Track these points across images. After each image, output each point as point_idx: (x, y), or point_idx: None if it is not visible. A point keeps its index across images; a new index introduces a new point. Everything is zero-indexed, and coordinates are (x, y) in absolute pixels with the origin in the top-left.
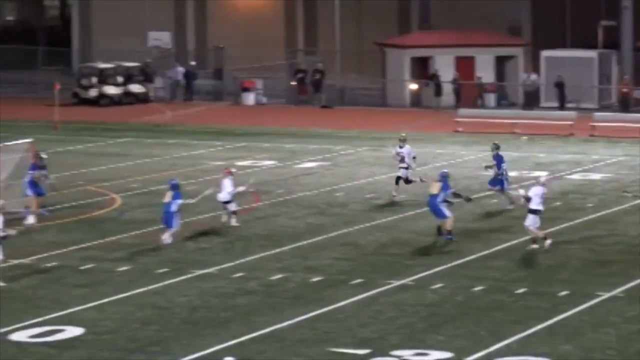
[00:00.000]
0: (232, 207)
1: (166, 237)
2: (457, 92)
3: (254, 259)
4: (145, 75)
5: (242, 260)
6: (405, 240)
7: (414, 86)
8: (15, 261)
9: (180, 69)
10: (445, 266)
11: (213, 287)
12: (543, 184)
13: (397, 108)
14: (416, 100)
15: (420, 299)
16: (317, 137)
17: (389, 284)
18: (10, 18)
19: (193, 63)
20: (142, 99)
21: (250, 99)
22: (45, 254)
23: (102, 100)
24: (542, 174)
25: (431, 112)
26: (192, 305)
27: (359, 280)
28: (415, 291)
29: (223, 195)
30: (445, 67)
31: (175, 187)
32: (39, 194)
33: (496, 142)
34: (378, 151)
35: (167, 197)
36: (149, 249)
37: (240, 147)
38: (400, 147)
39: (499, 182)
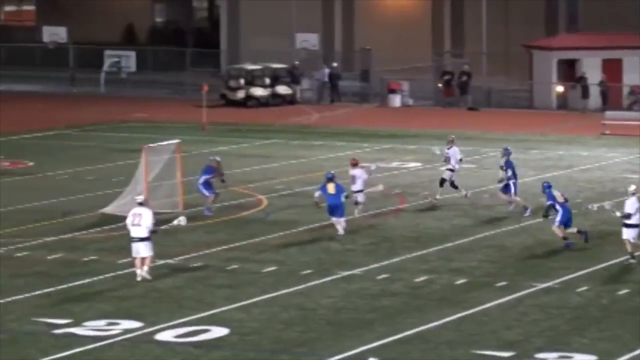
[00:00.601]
0: (360, 197)
1: (340, 229)
2: (604, 95)
3: (399, 261)
4: (293, 76)
5: (387, 262)
6: (550, 242)
7: (560, 88)
8: (162, 261)
9: (327, 71)
10: (589, 269)
11: (358, 289)
12: (633, 194)
13: (544, 110)
14: (563, 103)
15: (564, 302)
16: (463, 139)
17: (534, 286)
18: (159, 20)
19: (335, 64)
20: (289, 100)
21: (396, 100)
22: (191, 255)
23: (250, 102)
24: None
25: (578, 115)
26: (336, 306)
27: (503, 283)
28: (560, 294)
29: (356, 185)
30: (592, 69)
31: (332, 179)
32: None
33: (508, 147)
34: (525, 154)
35: (331, 189)
36: (294, 250)
37: (386, 148)
38: (448, 148)
39: (507, 187)
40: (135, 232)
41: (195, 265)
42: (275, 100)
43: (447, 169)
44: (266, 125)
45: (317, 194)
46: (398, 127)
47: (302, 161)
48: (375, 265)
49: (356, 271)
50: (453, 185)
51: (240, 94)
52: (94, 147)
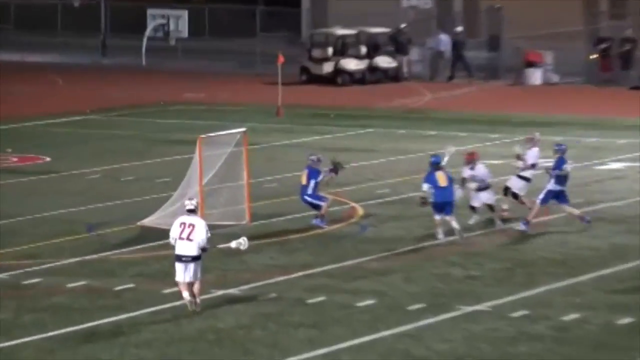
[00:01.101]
0: (488, 198)
1: (455, 224)
2: None
3: (541, 292)
4: (397, 45)
5: (525, 294)
6: None
7: None
8: (221, 291)
9: (444, 37)
10: None
11: (485, 330)
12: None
13: None
14: None
15: None
16: (626, 129)
17: None
18: None
19: (460, 29)
20: (392, 76)
21: (536, 77)
22: (260, 283)
23: (340, 78)
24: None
25: None
26: (457, 353)
27: None
28: None
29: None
30: None
31: (439, 165)
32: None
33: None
34: None
35: (442, 180)
36: (399, 276)
37: (522, 140)
38: (528, 149)
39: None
40: (183, 248)
41: (266, 297)
42: (374, 75)
43: (519, 177)
44: (362, 109)
45: (425, 186)
46: (538, 112)
47: (410, 157)
48: (509, 298)
49: (483, 306)
50: (514, 195)
51: (328, 68)
52: (132, 137)
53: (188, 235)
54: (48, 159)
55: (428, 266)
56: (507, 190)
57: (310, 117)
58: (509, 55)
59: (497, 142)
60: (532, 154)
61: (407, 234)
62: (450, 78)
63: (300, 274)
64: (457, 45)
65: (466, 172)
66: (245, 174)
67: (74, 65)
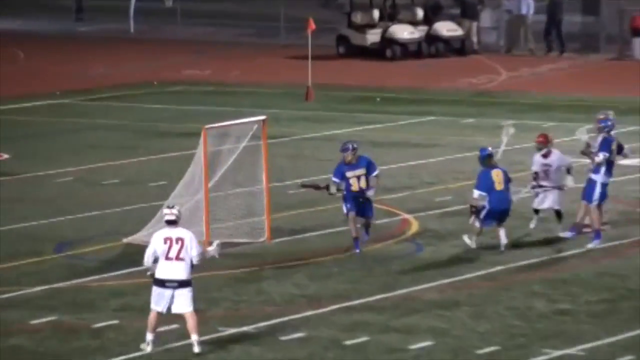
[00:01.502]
0: (550, 201)
1: (503, 237)
2: None
3: None
4: (464, 7)
5: (631, 334)
6: None
7: None
8: (232, 330)
9: None
10: None
11: None
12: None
13: None
14: None
15: None
16: None
17: None
18: None
19: None
20: (457, 47)
21: None
22: (283, 318)
23: (389, 50)
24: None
25: None
26: None
27: None
28: None
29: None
30: None
31: (492, 160)
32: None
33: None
34: None
35: (498, 181)
36: (465, 311)
37: (629, 132)
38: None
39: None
40: (169, 270)
41: (291, 336)
42: (434, 47)
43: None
44: (418, 91)
45: (476, 193)
46: None
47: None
48: (610, 339)
49: (576, 350)
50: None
51: (373, 37)
52: (116, 127)
53: (178, 253)
54: (5, 156)
55: (503, 297)
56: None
57: (349, 102)
58: (611, 21)
59: (594, 133)
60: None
61: (475, 255)
62: (549, 50)
63: (335, 306)
64: (553, 6)
65: (537, 164)
66: (264, 176)
67: (40, 34)
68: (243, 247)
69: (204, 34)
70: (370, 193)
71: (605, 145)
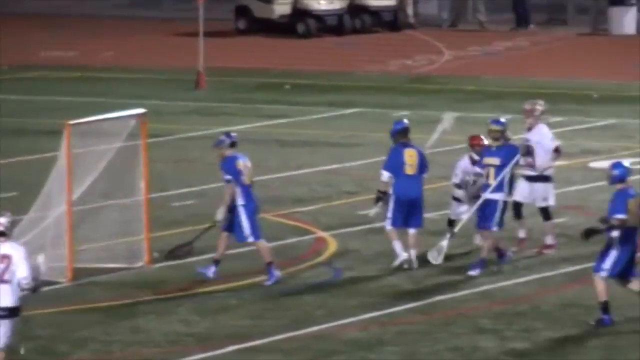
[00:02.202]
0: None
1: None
2: None
3: None
4: None
5: None
6: None
7: None
8: None
9: None
10: None
11: None
12: None
13: None
14: None
15: None
16: None
17: None
18: None
19: None
20: (388, 20)
21: (628, 21)
22: None
23: (301, 25)
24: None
25: None
26: None
27: None
28: None
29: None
30: None
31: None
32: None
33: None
34: None
35: (411, 166)
36: (393, 352)
37: (605, 126)
38: (529, 129)
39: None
40: None
41: None
42: (359, 20)
43: (526, 177)
44: (338, 76)
45: (385, 175)
46: (633, 79)
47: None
48: None
49: None
50: (517, 213)
51: (281, 8)
52: None
53: (1, 274)
54: None
55: (442, 335)
56: (518, 209)
57: (250, 90)
58: None
59: (566, 128)
60: (537, 138)
61: (406, 280)
62: (520, 24)
63: (231, 348)
64: None
65: (465, 171)
66: (143, 185)
67: None
68: (117, 274)
69: (66, 5)
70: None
71: (507, 151)
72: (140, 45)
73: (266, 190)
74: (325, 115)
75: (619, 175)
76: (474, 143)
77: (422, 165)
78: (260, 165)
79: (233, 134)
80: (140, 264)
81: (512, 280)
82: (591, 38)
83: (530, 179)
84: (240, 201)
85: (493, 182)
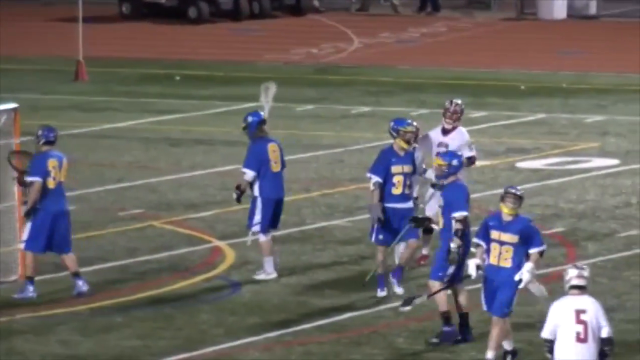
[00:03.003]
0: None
1: None
2: None
3: None
4: None
5: None
6: None
7: None
8: None
9: None
10: None
11: None
12: None
13: None
14: None
15: None
16: None
17: None
18: None
19: None
20: (290, 4)
21: (558, 6)
22: None
23: (193, 9)
24: None
25: None
26: None
27: None
28: None
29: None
30: None
31: None
32: None
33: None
34: None
35: (275, 163)
36: None
37: (533, 122)
38: (445, 132)
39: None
40: None
41: None
42: (257, 3)
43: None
44: (234, 67)
45: (249, 174)
46: (564, 68)
47: (325, 154)
48: None
49: None
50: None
51: None
52: None
53: None
54: None
55: (353, 355)
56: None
57: (136, 82)
58: None
59: (491, 124)
60: (458, 141)
61: (314, 295)
62: (422, 8)
63: None
64: None
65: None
66: (15, 190)
67: None
68: None
69: None
70: None
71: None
72: (12, 31)
73: (155, 195)
74: (220, 110)
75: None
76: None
77: (283, 160)
78: (148, 167)
79: (53, 128)
80: (13, 277)
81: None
82: (517, 23)
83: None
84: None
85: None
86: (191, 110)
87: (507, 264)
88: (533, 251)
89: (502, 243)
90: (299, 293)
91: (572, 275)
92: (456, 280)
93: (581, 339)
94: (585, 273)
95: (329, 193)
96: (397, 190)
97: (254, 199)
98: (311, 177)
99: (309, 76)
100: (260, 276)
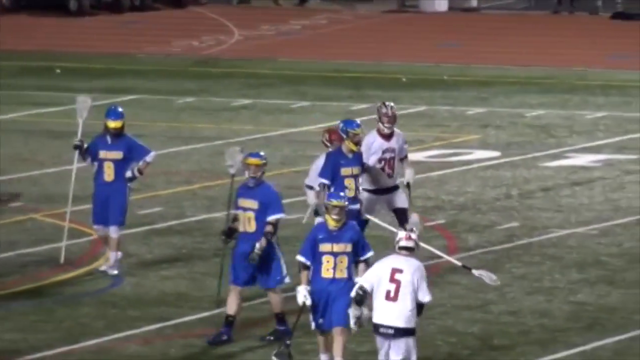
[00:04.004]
0: None
1: None
2: None
3: None
4: None
5: None
6: None
7: None
8: None
9: None
10: None
11: None
12: None
13: None
14: None
15: None
16: (603, 90)
17: None
18: None
19: None
20: None
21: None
22: None
23: (73, 1)
24: None
25: None
26: None
27: None
28: None
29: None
30: None
31: None
32: None
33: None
34: None
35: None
36: None
37: (413, 114)
38: (386, 137)
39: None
40: None
41: None
42: None
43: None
44: (114, 59)
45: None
46: (447, 61)
47: (200, 147)
48: None
49: None
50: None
51: None
52: None
53: None
54: None
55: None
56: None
57: (15, 75)
58: None
59: (373, 117)
60: (398, 141)
61: (195, 287)
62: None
63: None
64: None
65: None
66: None
67: None
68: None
69: None
70: None
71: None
72: None
73: (36, 187)
74: (100, 102)
75: None
76: (332, 139)
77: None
78: (29, 159)
79: None
80: None
81: None
82: (398, 16)
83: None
84: None
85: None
86: (72, 103)
87: (343, 274)
88: (364, 258)
89: (336, 255)
90: (179, 286)
91: (401, 237)
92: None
93: (390, 298)
94: (414, 236)
95: (210, 185)
96: (350, 193)
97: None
98: (192, 170)
99: (190, 68)
100: (114, 271)
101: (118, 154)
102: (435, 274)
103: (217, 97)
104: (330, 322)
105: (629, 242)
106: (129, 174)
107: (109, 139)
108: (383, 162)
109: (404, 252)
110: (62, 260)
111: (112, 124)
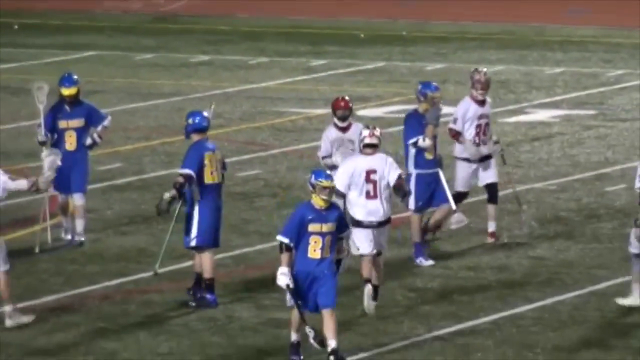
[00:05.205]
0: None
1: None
2: None
3: None
4: None
5: None
6: None
7: None
8: None
9: None
10: None
11: None
12: None
13: None
14: None
15: None
16: (564, 46)
17: None
18: None
19: None
20: None
21: None
22: None
23: None
24: None
25: None
26: None
27: None
28: None
29: None
30: None
31: None
32: None
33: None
34: None
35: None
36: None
37: (371, 70)
38: (479, 101)
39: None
40: None
41: None
42: None
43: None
44: (70, 15)
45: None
46: (406, 17)
47: (161, 103)
48: None
49: None
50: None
51: None
52: None
53: None
54: None
55: (193, 303)
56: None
57: None
58: None
59: (331, 72)
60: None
61: (154, 243)
62: None
63: None
64: None
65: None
66: None
67: None
68: None
69: None
70: None
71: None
72: None
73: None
74: (58, 59)
75: (194, 125)
76: (340, 105)
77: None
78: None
79: None
80: None
81: (270, 243)
82: None
83: None
84: None
85: None
86: (28, 59)
87: (328, 254)
88: (345, 235)
89: (324, 235)
90: (138, 241)
91: (365, 134)
92: None
93: (371, 196)
94: (377, 132)
95: (169, 142)
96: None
97: None
98: (151, 126)
99: (148, 25)
100: (82, 238)
101: (80, 122)
102: (395, 229)
103: (176, 53)
104: (315, 304)
105: (587, 197)
106: (89, 141)
107: (67, 107)
108: (478, 129)
109: (368, 150)
110: (37, 249)
111: (67, 91)
